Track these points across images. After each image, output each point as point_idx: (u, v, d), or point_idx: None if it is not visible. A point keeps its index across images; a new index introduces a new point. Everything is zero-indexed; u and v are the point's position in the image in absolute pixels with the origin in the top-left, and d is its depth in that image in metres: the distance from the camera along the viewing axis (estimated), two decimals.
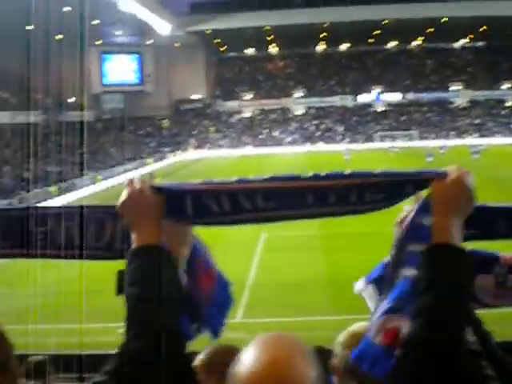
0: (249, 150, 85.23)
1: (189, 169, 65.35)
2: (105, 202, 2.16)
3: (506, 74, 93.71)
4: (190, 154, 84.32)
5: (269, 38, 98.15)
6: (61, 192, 48.10)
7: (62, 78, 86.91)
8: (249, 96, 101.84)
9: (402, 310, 1.70)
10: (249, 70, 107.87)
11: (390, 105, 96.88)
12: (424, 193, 1.86)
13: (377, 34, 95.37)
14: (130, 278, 1.70)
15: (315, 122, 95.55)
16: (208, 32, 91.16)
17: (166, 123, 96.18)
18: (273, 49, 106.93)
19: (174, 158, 79.98)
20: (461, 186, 1.74)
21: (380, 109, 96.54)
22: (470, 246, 1.78)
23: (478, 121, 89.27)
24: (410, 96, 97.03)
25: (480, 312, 2.06)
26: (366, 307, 2.18)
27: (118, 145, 79.25)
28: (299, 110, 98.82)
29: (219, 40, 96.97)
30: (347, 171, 1.89)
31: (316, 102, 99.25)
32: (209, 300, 2.13)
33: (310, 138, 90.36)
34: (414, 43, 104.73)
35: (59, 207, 2.08)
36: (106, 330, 13.60)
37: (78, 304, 17.54)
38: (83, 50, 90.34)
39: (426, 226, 1.78)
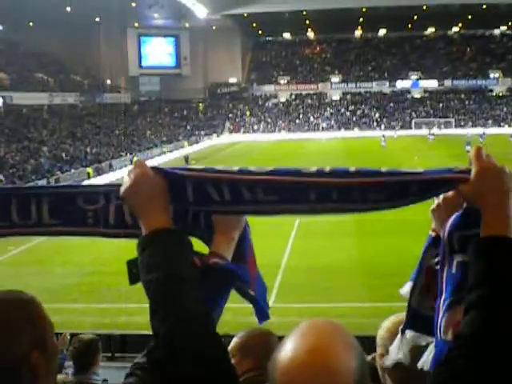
0: (284, 135, 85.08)
1: (223, 152, 65.48)
2: None
3: None
4: (225, 138, 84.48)
5: (306, 23, 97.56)
6: (97, 173, 48.60)
7: (100, 60, 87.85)
8: (285, 80, 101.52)
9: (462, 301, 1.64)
10: (285, 55, 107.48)
11: (427, 91, 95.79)
12: (450, 194, 1.80)
13: (415, 20, 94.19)
14: (147, 264, 1.67)
15: (351, 107, 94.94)
16: (245, 16, 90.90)
17: (201, 106, 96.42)
18: (310, 33, 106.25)
19: (209, 142, 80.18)
20: (494, 167, 1.65)
21: (417, 95, 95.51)
22: None
23: None
24: (448, 83, 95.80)
25: None
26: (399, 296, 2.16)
27: (154, 127, 79.76)
28: (335, 96, 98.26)
29: (256, 24, 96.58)
30: (352, 168, 1.82)
31: (352, 87, 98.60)
32: (255, 283, 2.14)
33: (345, 124, 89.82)
34: (452, 29, 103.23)
35: (109, 185, 2.08)
36: (142, 310, 13.70)
37: (114, 284, 17.83)
38: (121, 33, 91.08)
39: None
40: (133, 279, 1.76)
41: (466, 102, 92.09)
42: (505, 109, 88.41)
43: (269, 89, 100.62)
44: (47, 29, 74.57)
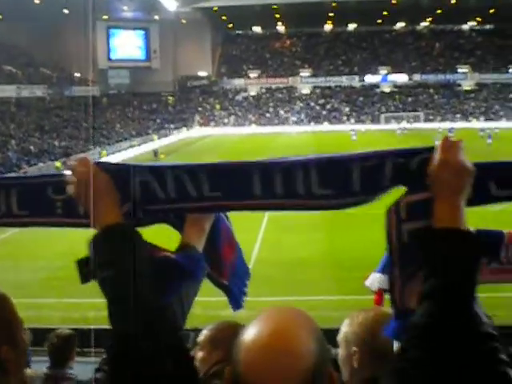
0: (254, 129, 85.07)
1: (193, 146, 65.24)
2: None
3: None
4: (195, 131, 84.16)
5: (276, 16, 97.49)
6: (66, 167, 48.06)
7: (68, 52, 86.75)
8: (255, 74, 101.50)
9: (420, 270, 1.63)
10: (255, 48, 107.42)
11: (396, 86, 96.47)
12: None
13: (385, 15, 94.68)
14: (101, 260, 1.68)
15: (321, 101, 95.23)
16: (215, 9, 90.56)
17: (171, 100, 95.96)
18: (280, 27, 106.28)
19: (178, 135, 79.84)
20: (457, 162, 1.64)
21: (386, 90, 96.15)
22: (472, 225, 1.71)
23: (484, 104, 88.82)
24: (417, 77, 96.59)
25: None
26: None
27: (123, 120, 79.17)
28: (305, 90, 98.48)
29: (226, 17, 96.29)
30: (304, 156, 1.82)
31: (322, 81, 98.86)
32: (230, 270, 2.14)
33: (315, 118, 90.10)
34: (422, 24, 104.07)
35: None
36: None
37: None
38: (90, 26, 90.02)
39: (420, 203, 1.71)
40: (84, 278, 1.76)
41: (435, 97, 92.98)
42: (473, 103, 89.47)
43: (239, 82, 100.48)
44: (16, 21, 73.52)
